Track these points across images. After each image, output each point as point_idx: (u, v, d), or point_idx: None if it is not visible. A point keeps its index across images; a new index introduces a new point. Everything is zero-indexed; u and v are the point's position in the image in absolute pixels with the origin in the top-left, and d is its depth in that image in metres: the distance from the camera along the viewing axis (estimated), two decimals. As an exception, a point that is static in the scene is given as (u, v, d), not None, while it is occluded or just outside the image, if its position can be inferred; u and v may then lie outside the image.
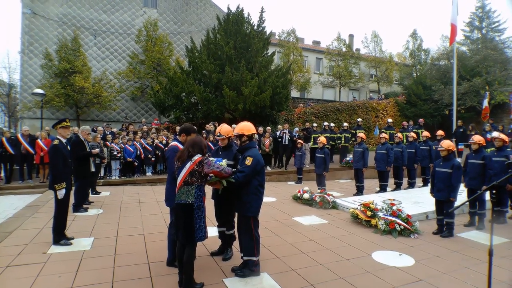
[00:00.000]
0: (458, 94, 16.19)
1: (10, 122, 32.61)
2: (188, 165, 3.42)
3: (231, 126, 14.46)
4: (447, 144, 5.80)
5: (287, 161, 12.73)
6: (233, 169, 3.94)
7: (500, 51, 19.75)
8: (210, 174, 3.58)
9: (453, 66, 15.41)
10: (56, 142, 4.83)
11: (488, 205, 6.61)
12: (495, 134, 6.48)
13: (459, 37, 21.44)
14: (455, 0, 14.79)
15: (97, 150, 7.43)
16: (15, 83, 29.23)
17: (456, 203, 5.63)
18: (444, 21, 59.33)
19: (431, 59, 25.77)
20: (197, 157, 3.45)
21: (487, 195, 6.68)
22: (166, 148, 4.19)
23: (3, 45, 55.33)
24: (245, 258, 3.89)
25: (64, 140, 5.00)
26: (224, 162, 3.72)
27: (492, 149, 6.91)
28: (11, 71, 29.80)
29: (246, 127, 3.99)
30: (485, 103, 14.75)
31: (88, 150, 7.03)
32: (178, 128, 12.33)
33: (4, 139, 9.99)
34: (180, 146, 3.92)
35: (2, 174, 10.22)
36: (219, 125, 14.08)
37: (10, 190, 9.55)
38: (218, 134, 4.27)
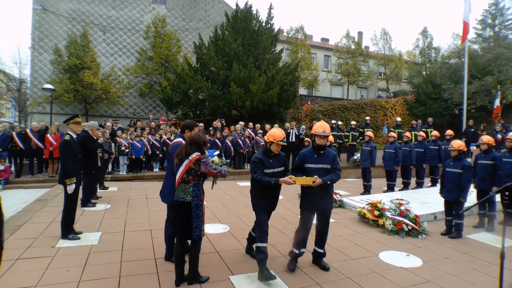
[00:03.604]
0: (468, 93, 15.89)
1: (20, 117, 33.09)
2: (185, 163, 3.43)
3: (238, 123, 14.05)
4: (457, 144, 5.71)
5: (293, 158, 12.68)
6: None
7: (513, 49, 19.33)
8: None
9: (464, 65, 15.12)
10: (67, 137, 4.87)
11: (498, 206, 6.52)
12: None
13: (471, 35, 21.01)
14: (467, -3, 14.47)
15: (102, 139, 7.64)
16: (25, 78, 29.67)
17: (466, 204, 5.55)
18: (455, 18, 58.38)
19: (442, 57, 25.36)
20: (195, 155, 3.43)
21: (498, 197, 6.58)
22: (171, 144, 4.19)
23: (15, 40, 56.09)
24: (322, 251, 4.18)
25: (74, 136, 5.05)
26: (216, 158, 3.74)
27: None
28: (22, 66, 30.28)
29: (327, 126, 4.19)
30: (497, 102, 14.47)
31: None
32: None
33: (14, 133, 10.13)
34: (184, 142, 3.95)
35: (12, 168, 10.37)
36: (226, 122, 14.02)
37: (20, 184, 9.70)
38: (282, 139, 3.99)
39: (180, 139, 4.07)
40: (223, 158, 4.02)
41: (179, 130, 4.52)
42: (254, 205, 4.02)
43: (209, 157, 3.66)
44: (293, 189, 9.47)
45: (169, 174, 3.99)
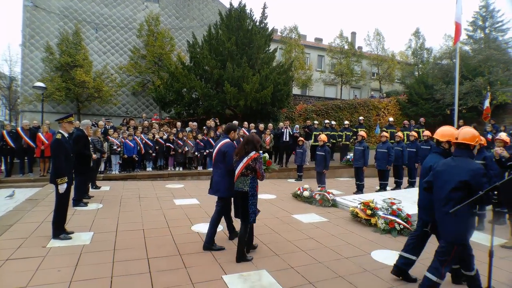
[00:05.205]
0: (460, 93, 16.04)
1: (10, 115, 32.61)
2: (244, 160, 4.08)
3: (232, 122, 14.10)
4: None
5: (287, 158, 12.72)
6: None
7: (503, 51, 19.62)
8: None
9: (456, 66, 15.26)
10: (59, 136, 4.82)
11: (488, 205, 6.62)
12: (503, 135, 6.40)
13: (462, 36, 21.27)
14: (459, -2, 14.63)
15: (95, 156, 7.90)
16: (16, 76, 29.28)
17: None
18: (447, 20, 59.11)
19: (434, 58, 25.66)
20: (253, 153, 4.10)
21: (488, 196, 6.67)
22: (222, 143, 4.65)
23: (5, 37, 55.27)
24: None
25: (66, 135, 5.00)
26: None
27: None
28: (12, 64, 29.91)
29: None
30: (487, 103, 14.68)
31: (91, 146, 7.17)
32: (179, 123, 12.44)
33: (4, 132, 9.98)
34: (233, 142, 4.71)
35: (3, 167, 10.22)
36: (220, 121, 14.00)
37: (11, 183, 9.55)
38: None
39: (228, 140, 4.66)
40: None
41: (223, 131, 5.26)
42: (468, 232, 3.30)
43: None
44: (287, 189, 9.52)
45: (224, 172, 4.49)
